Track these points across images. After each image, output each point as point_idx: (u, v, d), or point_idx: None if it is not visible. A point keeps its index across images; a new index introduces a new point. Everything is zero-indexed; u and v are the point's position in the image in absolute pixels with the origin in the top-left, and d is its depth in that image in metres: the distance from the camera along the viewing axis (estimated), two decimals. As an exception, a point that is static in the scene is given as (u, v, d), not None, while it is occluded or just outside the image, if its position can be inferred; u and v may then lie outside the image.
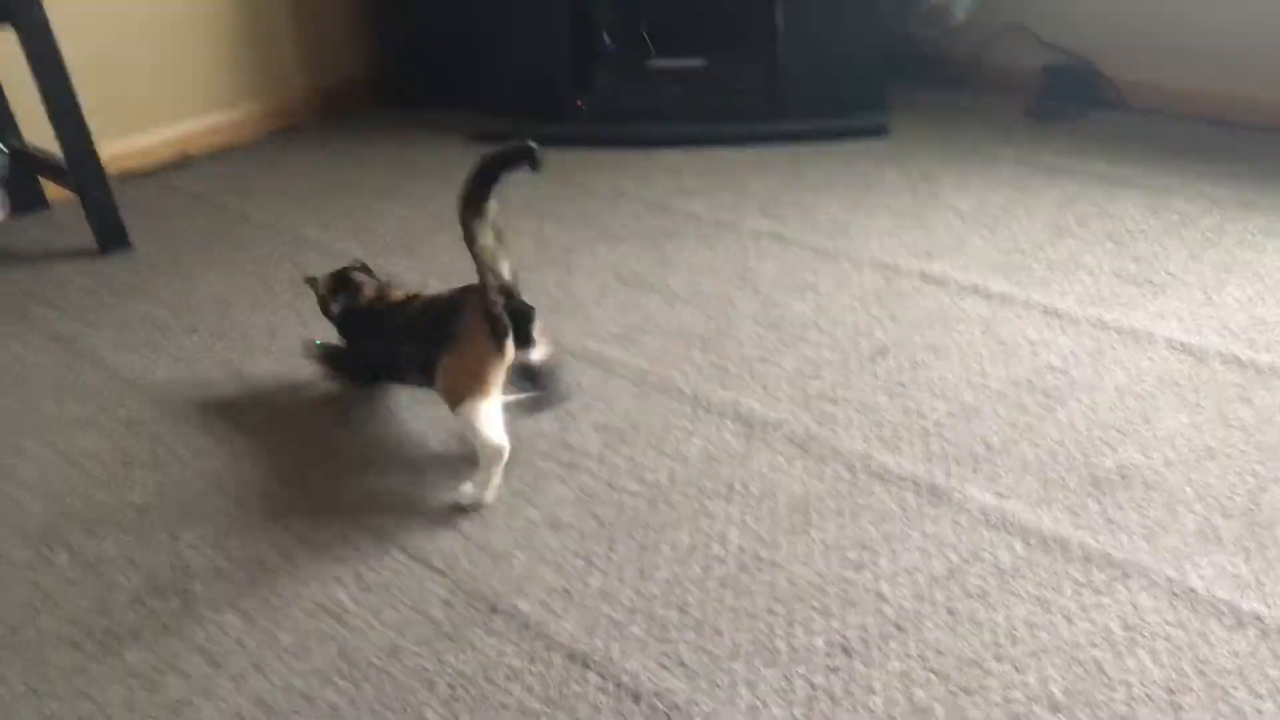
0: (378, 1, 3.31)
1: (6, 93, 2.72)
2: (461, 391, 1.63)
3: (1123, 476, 1.67)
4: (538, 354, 1.69)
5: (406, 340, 1.76)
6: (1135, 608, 1.43)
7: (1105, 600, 1.44)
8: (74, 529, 1.70)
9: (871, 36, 2.92)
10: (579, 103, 3.08)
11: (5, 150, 2.75)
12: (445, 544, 1.62)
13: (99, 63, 2.89)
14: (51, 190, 2.84)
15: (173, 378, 2.09)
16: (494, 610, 1.49)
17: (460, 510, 1.67)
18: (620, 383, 1.99)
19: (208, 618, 1.51)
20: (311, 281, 1.97)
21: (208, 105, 3.12)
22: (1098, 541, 1.54)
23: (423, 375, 1.72)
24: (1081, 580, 1.48)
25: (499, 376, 1.63)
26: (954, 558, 1.53)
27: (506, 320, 1.61)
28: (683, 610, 1.47)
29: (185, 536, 1.67)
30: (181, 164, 3.09)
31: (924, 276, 2.28)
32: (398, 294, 1.90)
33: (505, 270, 1.65)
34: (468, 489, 1.68)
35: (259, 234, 2.66)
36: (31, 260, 2.59)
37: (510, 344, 1.62)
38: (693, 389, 1.96)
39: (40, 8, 2.36)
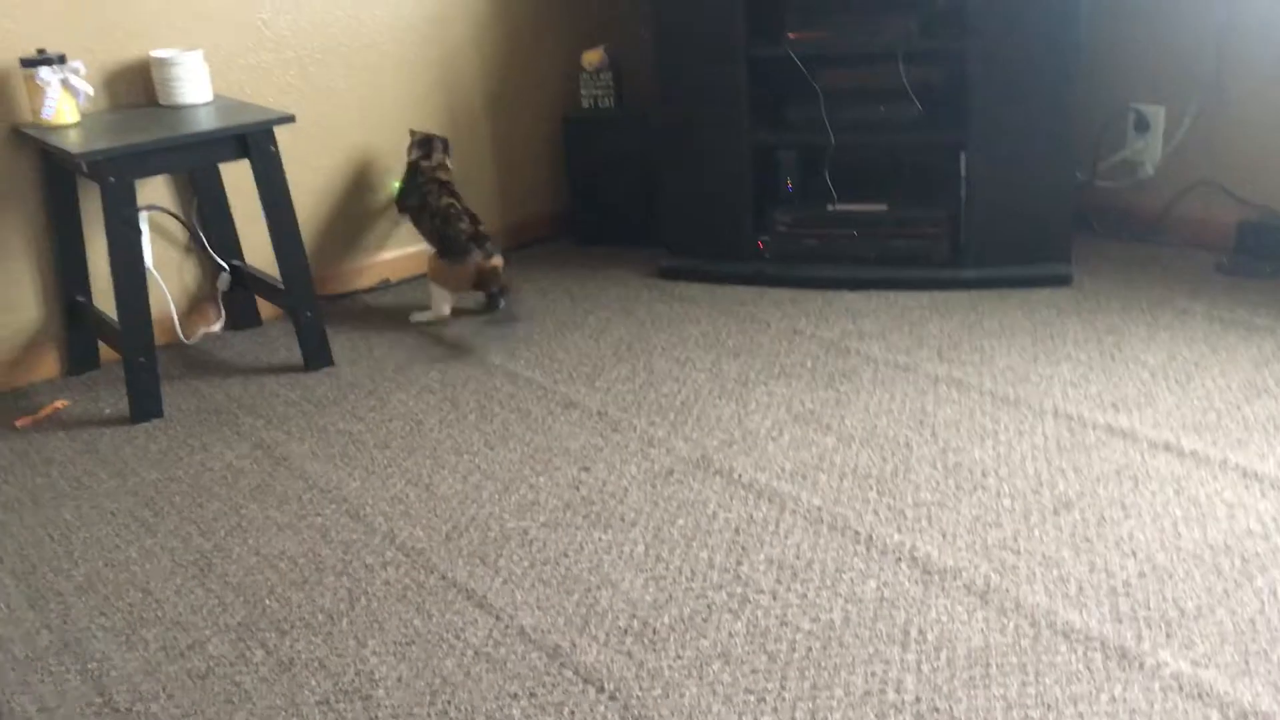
0: (569, 143, 3.50)
1: (234, 218, 2.97)
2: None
3: (1332, 652, 1.57)
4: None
5: None
6: (1349, 796, 1.33)
7: (1315, 785, 1.35)
8: (269, 629, 1.79)
9: (1058, 187, 2.91)
10: (760, 243, 3.15)
11: (227, 268, 2.98)
12: (617, 668, 1.64)
13: (318, 196, 3.14)
14: (265, 308, 3.06)
15: (365, 489, 2.20)
16: (664, 740, 1.49)
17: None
18: (794, 519, 1.99)
19: (389, 724, 1.55)
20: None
21: (411, 236, 3.33)
22: (1305, 720, 1.45)
23: None
24: (1287, 761, 1.39)
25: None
26: (1145, 725, 1.46)
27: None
28: (856, 757, 1.44)
29: (370, 644, 1.74)
30: (382, 288, 3.29)
31: (1110, 430, 2.23)
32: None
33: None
34: (419, 315, 3.05)
35: (449, 357, 2.79)
36: (243, 372, 2.78)
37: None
38: (868, 530, 1.95)
39: (275, 145, 2.59)
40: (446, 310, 3.02)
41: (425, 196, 3.02)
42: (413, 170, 3.09)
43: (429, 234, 3.04)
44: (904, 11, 2.98)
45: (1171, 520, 1.92)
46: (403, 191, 3.12)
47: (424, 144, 3.10)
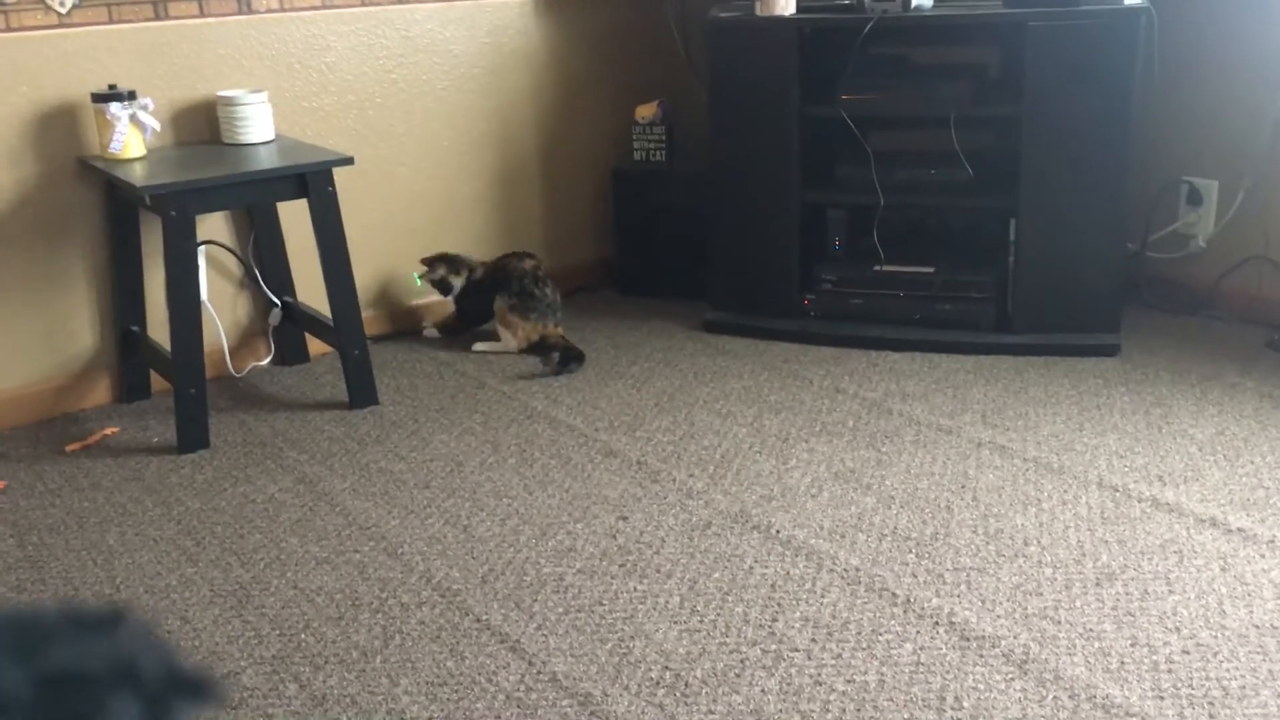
0: (618, 193, 3.54)
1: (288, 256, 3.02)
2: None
3: (1381, 741, 1.54)
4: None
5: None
6: None
7: None
8: (303, 663, 1.80)
9: (1107, 256, 2.90)
10: (805, 300, 3.16)
11: (279, 304, 3.03)
12: (648, 719, 1.63)
13: (372, 237, 3.19)
14: (313, 345, 3.10)
15: (404, 528, 2.21)
16: (693, 795, 1.48)
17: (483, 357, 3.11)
18: (831, 578, 1.98)
19: (418, 764, 1.55)
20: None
21: (459, 279, 3.38)
22: (1352, 810, 1.41)
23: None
24: None
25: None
26: (1185, 806, 1.43)
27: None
28: (887, 822, 1.42)
29: (403, 683, 1.74)
30: (430, 331, 3.32)
31: (1155, 503, 2.20)
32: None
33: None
34: (482, 345, 3.16)
35: (492, 400, 2.82)
36: (290, 408, 2.82)
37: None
38: (905, 593, 1.93)
39: (333, 186, 2.64)
40: (514, 348, 3.13)
41: (505, 266, 3.15)
42: (475, 288, 3.17)
43: (507, 287, 3.13)
44: (957, 77, 3.01)
45: (1217, 597, 1.88)
46: (488, 295, 3.16)
47: (455, 265, 3.17)
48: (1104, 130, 2.81)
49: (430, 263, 3.16)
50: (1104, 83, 2.78)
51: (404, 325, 3.32)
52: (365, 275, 3.19)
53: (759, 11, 3.01)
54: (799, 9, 3.02)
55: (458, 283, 3.17)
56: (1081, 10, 2.76)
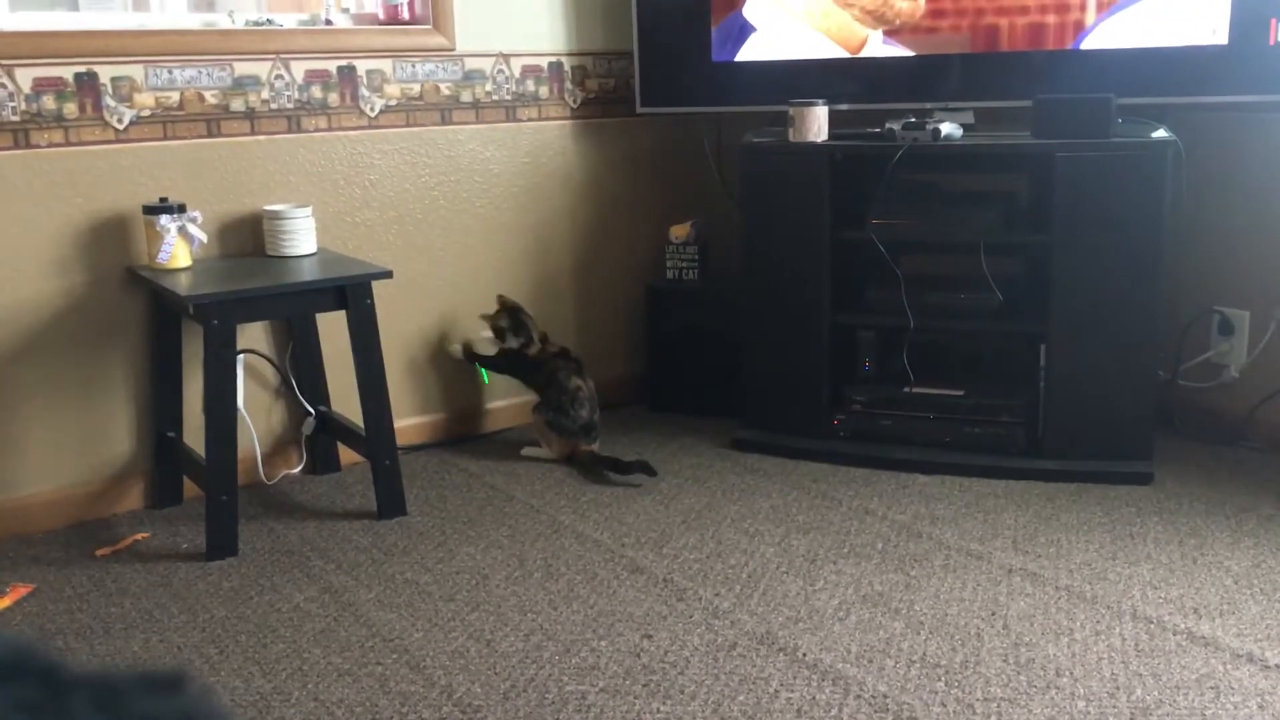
0: (651, 311, 3.59)
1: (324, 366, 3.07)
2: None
3: None
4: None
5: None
6: None
7: None
8: (320, 776, 1.77)
9: (1139, 384, 2.89)
10: (835, 421, 3.16)
11: (313, 413, 3.07)
12: None
13: (407, 349, 3.24)
14: (345, 454, 3.13)
15: (427, 641, 2.20)
16: None
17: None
18: (858, 704, 1.94)
19: None
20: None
21: (490, 394, 3.41)
22: None
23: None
24: None
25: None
26: None
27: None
28: None
29: (420, 800, 1.71)
30: (461, 442, 3.34)
31: (1190, 636, 2.15)
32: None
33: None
34: (531, 450, 3.20)
35: (519, 514, 2.82)
36: (319, 516, 2.83)
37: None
38: (934, 723, 1.89)
39: (371, 299, 2.70)
40: (555, 457, 3.19)
41: (554, 374, 3.18)
42: (518, 357, 3.21)
43: (545, 396, 3.18)
44: (987, 204, 3.05)
45: (1256, 736, 1.83)
46: (523, 374, 3.24)
47: (517, 328, 3.20)
48: (1134, 259, 2.83)
49: (500, 314, 3.21)
50: (1133, 212, 2.81)
51: (434, 436, 3.35)
52: (398, 385, 3.23)
53: (792, 138, 3.08)
54: (831, 136, 3.09)
55: (512, 343, 3.19)
56: (1109, 142, 2.81)
